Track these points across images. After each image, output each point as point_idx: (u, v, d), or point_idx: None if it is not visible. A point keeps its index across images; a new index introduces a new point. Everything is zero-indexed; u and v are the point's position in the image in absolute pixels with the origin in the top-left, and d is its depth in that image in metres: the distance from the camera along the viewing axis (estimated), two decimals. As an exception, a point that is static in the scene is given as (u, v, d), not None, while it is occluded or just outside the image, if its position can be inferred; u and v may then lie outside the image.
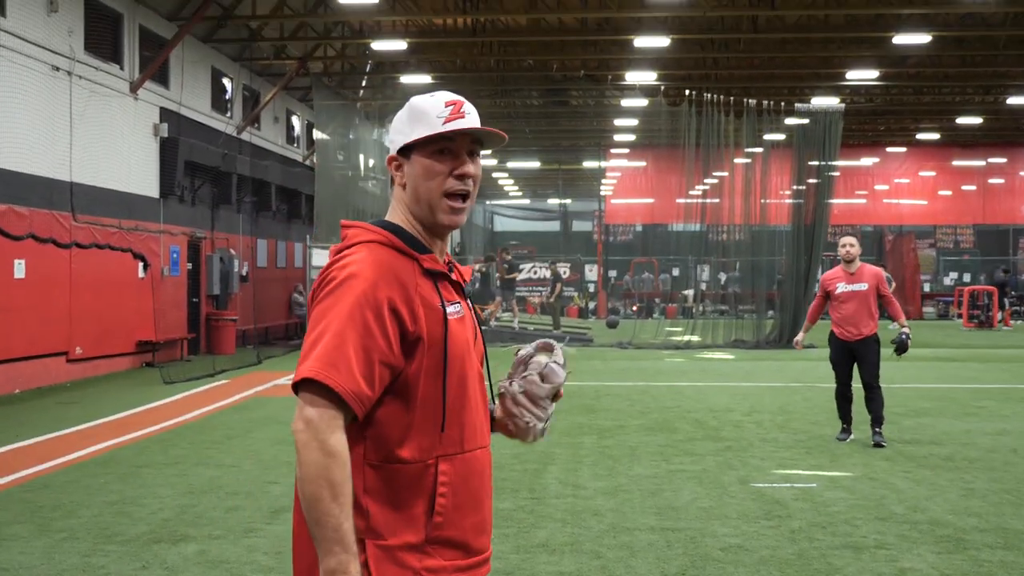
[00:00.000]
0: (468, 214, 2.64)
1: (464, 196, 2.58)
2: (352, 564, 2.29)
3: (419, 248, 2.53)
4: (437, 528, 2.43)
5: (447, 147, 2.55)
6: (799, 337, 11.58)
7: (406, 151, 2.58)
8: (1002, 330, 33.29)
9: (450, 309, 2.51)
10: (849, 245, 10.97)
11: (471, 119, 2.58)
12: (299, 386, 2.34)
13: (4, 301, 15.40)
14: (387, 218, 2.62)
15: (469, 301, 2.72)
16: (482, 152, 2.68)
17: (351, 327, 2.35)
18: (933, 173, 41.31)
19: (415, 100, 2.61)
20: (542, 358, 2.79)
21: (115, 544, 6.96)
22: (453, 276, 2.60)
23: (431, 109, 2.55)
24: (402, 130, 2.59)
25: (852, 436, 11.08)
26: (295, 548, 2.50)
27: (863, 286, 10.77)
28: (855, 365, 10.92)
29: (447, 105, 2.55)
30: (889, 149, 40.98)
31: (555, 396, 2.79)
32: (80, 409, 13.96)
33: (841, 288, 10.84)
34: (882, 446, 10.63)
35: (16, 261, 15.79)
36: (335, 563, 2.28)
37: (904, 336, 10.86)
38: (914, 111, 34.91)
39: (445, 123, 2.53)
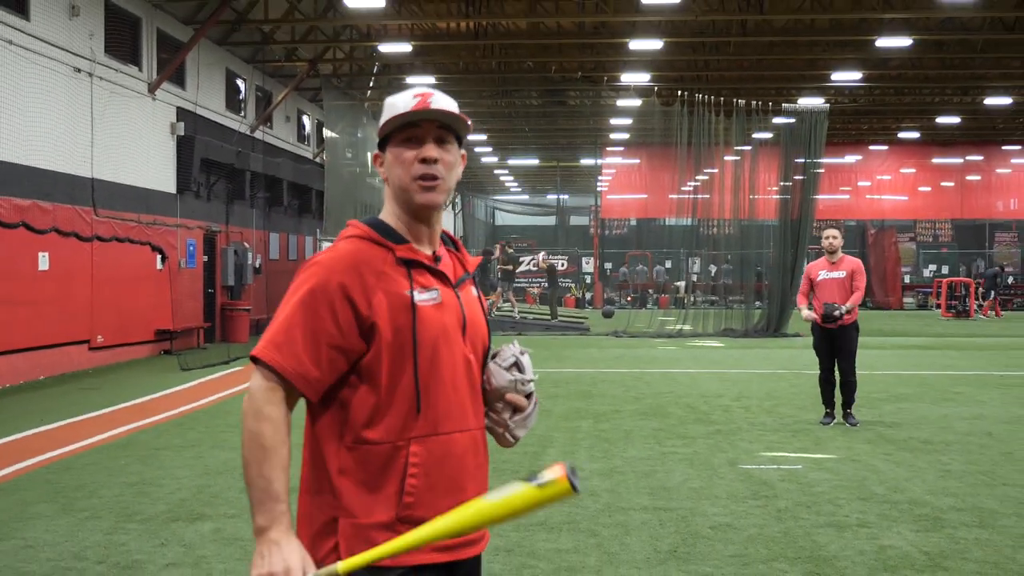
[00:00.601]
0: (447, 195, 2.57)
1: (432, 177, 2.51)
2: (279, 522, 2.30)
3: (395, 239, 2.52)
4: (407, 508, 2.38)
5: (413, 135, 2.52)
6: (807, 313, 11.24)
7: (383, 146, 2.58)
8: (987, 319, 33.40)
9: (422, 296, 2.46)
10: (832, 237, 11.00)
11: (436, 102, 2.52)
12: (251, 361, 2.40)
13: (29, 292, 15.41)
14: (380, 214, 2.61)
15: (475, 289, 2.69)
16: (464, 139, 2.64)
17: (301, 311, 2.39)
18: (913, 170, 41.30)
19: (389, 97, 2.60)
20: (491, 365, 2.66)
21: (135, 523, 6.98)
22: (439, 266, 2.56)
23: (400, 102, 2.53)
24: (379, 126, 2.59)
25: (835, 420, 11.11)
26: (298, 527, 2.46)
27: (842, 274, 10.82)
28: (835, 352, 10.95)
29: (415, 96, 2.53)
30: (872, 147, 40.98)
31: (524, 399, 2.63)
32: (101, 395, 13.97)
33: (823, 276, 10.89)
34: (855, 424, 10.80)
35: (40, 254, 15.79)
36: (264, 519, 2.31)
37: (837, 311, 10.69)
38: (896, 111, 34.90)
39: (410, 111, 2.52)
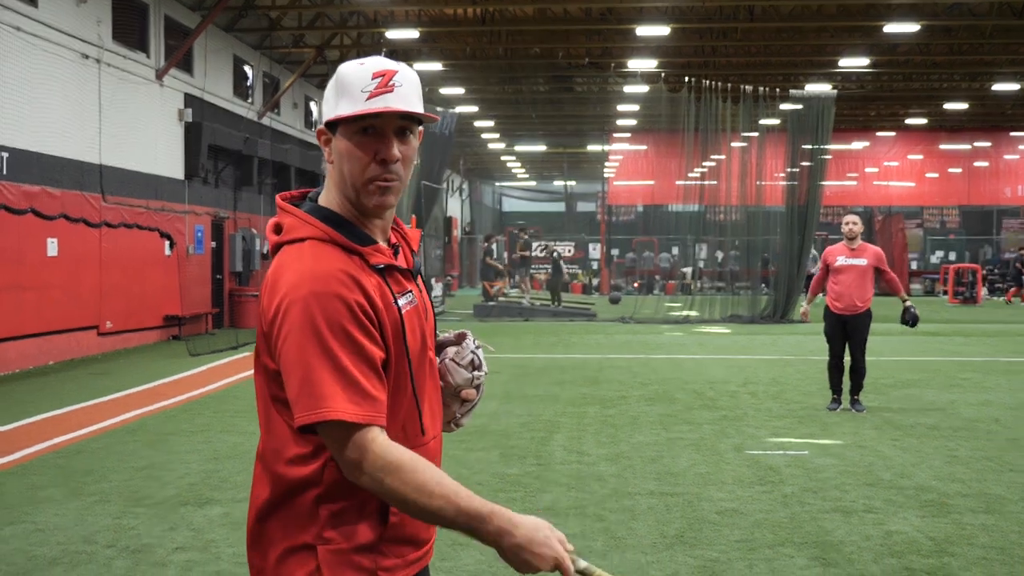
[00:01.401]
0: (401, 195, 2.26)
1: (390, 179, 2.19)
2: (500, 516, 2.08)
3: (361, 239, 2.19)
4: (393, 528, 2.19)
5: (372, 124, 2.16)
6: (805, 308, 11.57)
7: (332, 125, 2.21)
8: (1013, 305, 33.57)
9: (402, 301, 2.20)
10: (852, 223, 10.98)
11: (400, 93, 2.17)
12: (325, 427, 2.04)
13: (38, 278, 15.44)
14: (321, 199, 2.26)
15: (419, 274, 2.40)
16: (421, 127, 2.30)
17: (340, 348, 2.04)
18: (921, 156, 41.18)
19: (343, 68, 2.20)
20: (449, 350, 2.53)
21: (144, 507, 7.00)
22: (399, 260, 2.27)
23: (357, 81, 2.15)
24: (329, 100, 2.21)
25: (842, 405, 11.11)
26: (253, 548, 2.25)
27: (862, 261, 10.76)
28: (846, 338, 10.94)
29: (374, 76, 2.15)
30: (879, 133, 40.84)
31: (474, 391, 2.54)
32: (110, 380, 14.01)
33: (841, 261, 10.84)
34: (861, 411, 10.83)
35: (49, 240, 15.81)
36: (493, 528, 2.07)
37: (911, 309, 10.93)
38: (903, 97, 34.75)
39: (369, 99, 2.14)
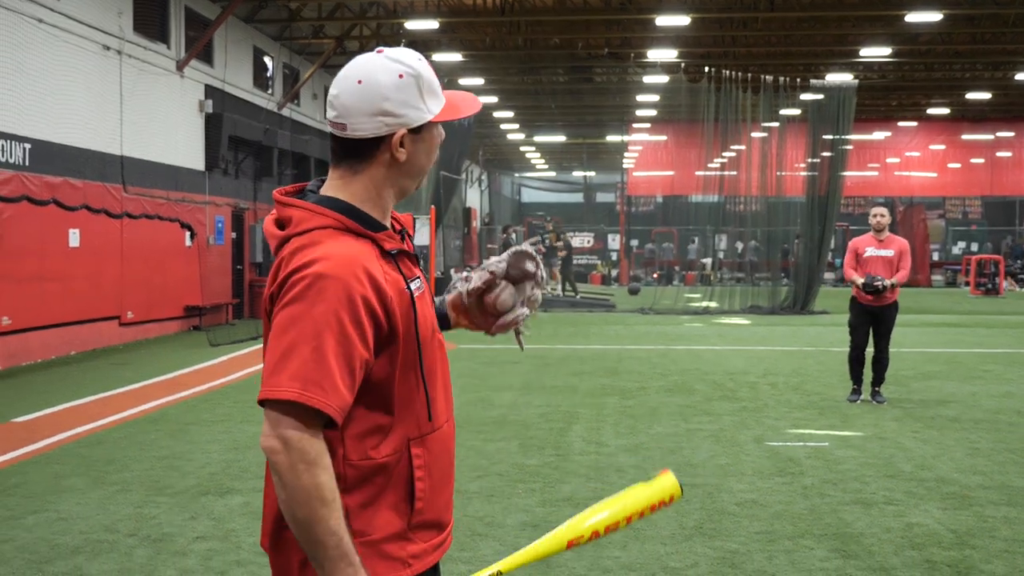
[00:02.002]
0: None
1: None
2: (363, 574, 2.05)
3: (374, 226, 2.19)
4: (419, 515, 2.21)
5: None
6: (862, 282, 10.73)
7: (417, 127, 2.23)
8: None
9: (414, 286, 2.21)
10: (880, 215, 10.93)
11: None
12: (273, 403, 2.02)
13: (60, 269, 15.53)
14: (335, 194, 2.22)
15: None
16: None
17: (329, 334, 2.02)
18: (943, 147, 40.91)
19: (419, 68, 2.20)
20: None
21: (165, 496, 7.04)
22: (406, 246, 2.28)
23: (433, 78, 2.23)
24: (415, 104, 2.19)
25: (862, 397, 11.07)
26: (277, 551, 2.24)
27: (890, 252, 10.71)
28: (871, 330, 10.88)
29: (438, 80, 2.28)
30: (901, 123, 40.59)
31: (525, 288, 2.56)
32: (131, 370, 14.09)
33: (870, 252, 10.77)
34: (882, 403, 10.77)
35: (71, 231, 15.90)
36: (352, 572, 2.03)
37: (879, 282, 10.57)
38: (925, 87, 34.51)
39: (442, 92, 2.28)
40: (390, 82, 2.16)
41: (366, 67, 2.19)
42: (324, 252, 2.09)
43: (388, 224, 2.27)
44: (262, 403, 2.05)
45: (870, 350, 10.88)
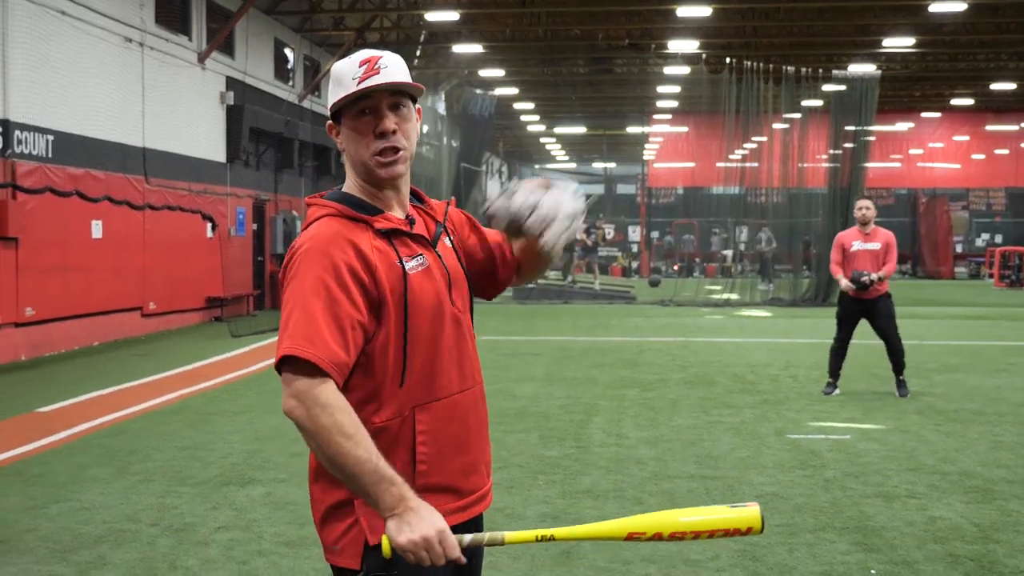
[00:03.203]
0: (410, 161, 2.49)
1: (393, 150, 2.43)
2: (407, 490, 2.23)
3: (369, 210, 2.43)
4: (422, 476, 2.37)
5: (367, 106, 2.41)
6: (845, 283, 10.72)
7: (337, 117, 2.47)
8: None
9: (411, 264, 2.40)
10: (865, 208, 10.88)
11: (387, 73, 2.40)
12: (281, 366, 2.26)
13: (82, 260, 15.62)
14: (344, 188, 2.52)
15: (449, 239, 2.60)
16: (415, 101, 2.49)
17: (316, 298, 2.26)
18: (967, 138, 40.62)
19: (335, 65, 2.47)
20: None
21: (187, 486, 7.08)
22: (414, 229, 2.49)
23: (347, 71, 2.41)
24: (332, 96, 2.45)
25: (838, 391, 11.01)
26: (312, 512, 2.48)
27: (876, 245, 10.66)
28: (857, 325, 10.83)
29: (361, 64, 2.40)
30: (924, 114, 40.30)
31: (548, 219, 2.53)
32: (153, 361, 14.16)
33: (856, 246, 10.72)
34: (906, 395, 10.66)
35: (94, 222, 15.99)
36: (392, 499, 2.21)
37: (866, 277, 10.46)
38: (949, 77, 34.27)
39: (359, 83, 2.38)
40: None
41: None
42: (312, 233, 2.37)
43: (394, 209, 2.49)
44: (278, 370, 2.29)
45: (873, 343, 10.80)
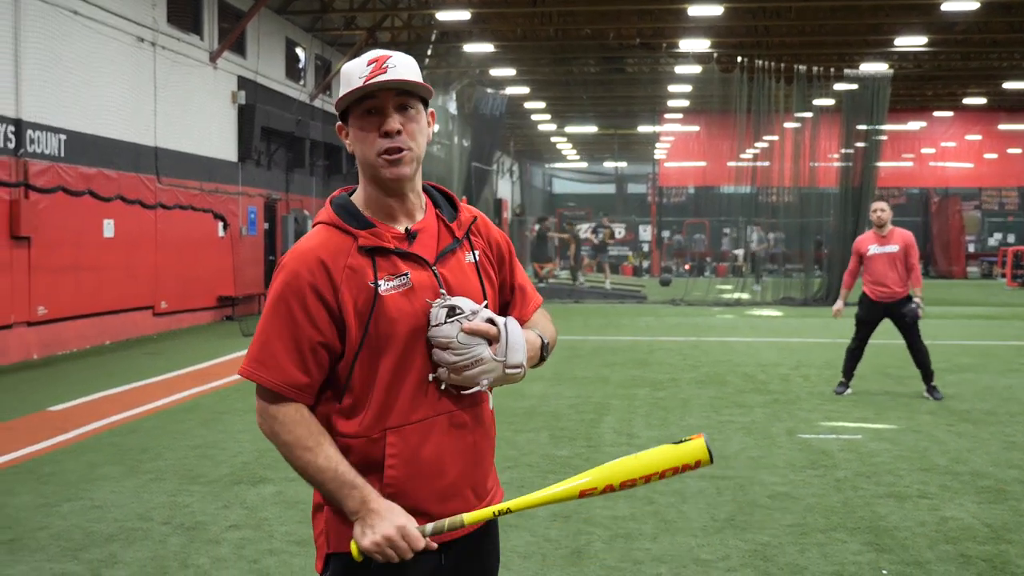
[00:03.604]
0: (417, 164, 2.43)
1: (397, 150, 2.37)
2: (368, 492, 2.28)
3: (361, 223, 2.39)
4: (391, 498, 2.33)
5: (373, 106, 2.37)
6: (838, 306, 11.04)
7: (345, 117, 2.44)
8: None
9: (388, 284, 2.34)
10: (880, 210, 10.77)
11: (394, 72, 2.36)
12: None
13: (94, 259, 15.66)
14: (356, 189, 2.51)
15: (473, 255, 2.51)
16: (416, 103, 2.42)
17: (277, 319, 2.32)
18: (979, 137, 40.44)
19: (344, 65, 2.45)
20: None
21: (199, 485, 7.09)
22: (414, 244, 2.41)
23: (354, 70, 2.38)
24: (339, 96, 2.43)
25: (850, 391, 10.96)
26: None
27: (894, 248, 10.55)
28: (877, 327, 10.76)
29: (369, 63, 2.37)
30: (936, 113, 40.15)
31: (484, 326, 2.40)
32: (165, 360, 14.20)
33: (873, 250, 10.62)
34: (940, 398, 10.54)
35: (105, 221, 16.03)
36: (354, 503, 2.28)
37: (915, 306, 10.45)
38: (961, 76, 34.13)
39: (365, 81, 2.35)
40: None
41: None
42: (296, 244, 2.40)
43: (397, 222, 2.44)
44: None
45: (898, 343, 10.76)
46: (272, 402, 2.34)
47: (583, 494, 2.41)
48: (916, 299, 10.47)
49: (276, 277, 2.37)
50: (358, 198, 2.47)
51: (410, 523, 2.28)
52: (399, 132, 2.38)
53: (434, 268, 2.42)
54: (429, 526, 2.31)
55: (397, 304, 2.34)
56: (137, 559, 5.52)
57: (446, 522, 2.32)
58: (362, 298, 2.33)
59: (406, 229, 2.43)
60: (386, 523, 2.25)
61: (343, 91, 2.40)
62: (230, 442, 8.54)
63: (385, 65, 2.36)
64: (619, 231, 40.93)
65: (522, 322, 2.61)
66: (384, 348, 2.34)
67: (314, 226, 2.46)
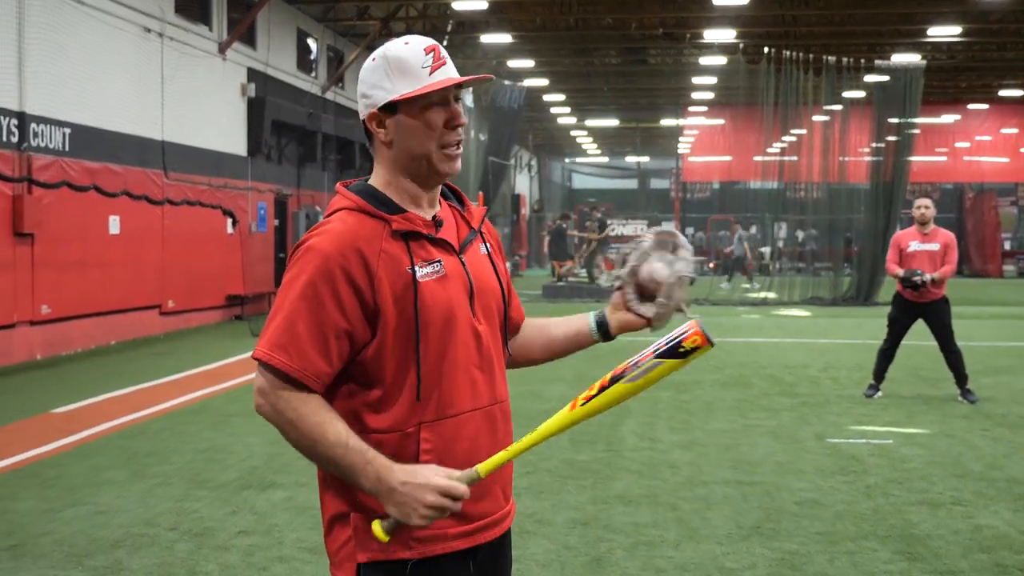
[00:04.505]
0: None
1: (458, 143, 2.41)
2: (380, 461, 2.21)
3: (391, 208, 2.36)
4: None
5: (438, 97, 2.36)
6: (902, 274, 10.51)
7: (390, 107, 2.38)
8: None
9: (424, 270, 2.33)
10: (924, 207, 10.74)
11: (451, 66, 2.40)
12: (261, 366, 2.28)
13: (100, 256, 15.73)
14: (371, 179, 2.46)
15: (485, 246, 2.54)
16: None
17: (303, 303, 2.24)
18: (1016, 130, 40.18)
19: (391, 50, 2.39)
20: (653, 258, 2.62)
21: (207, 489, 7.11)
22: (439, 233, 2.41)
23: (413, 59, 2.35)
24: (381, 84, 2.38)
25: (880, 393, 10.91)
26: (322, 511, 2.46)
27: (935, 246, 10.52)
28: (909, 329, 10.72)
29: (427, 52, 2.36)
30: (971, 106, 39.91)
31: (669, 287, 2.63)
32: (172, 360, 14.25)
33: (914, 246, 10.59)
34: (975, 402, 10.48)
35: (111, 217, 16.10)
36: (371, 475, 2.21)
37: (918, 277, 10.29)
38: (997, 67, 33.94)
39: (431, 73, 2.35)
40: (366, 67, 2.43)
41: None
42: (324, 228, 2.32)
43: (423, 210, 2.43)
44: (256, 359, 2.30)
45: (930, 344, 10.69)
46: (284, 388, 2.25)
47: (589, 401, 2.56)
48: (929, 275, 10.28)
49: (302, 258, 2.28)
50: (377, 182, 2.44)
51: (444, 478, 2.22)
52: (464, 124, 2.42)
53: (461, 257, 2.44)
54: (456, 473, 2.25)
55: (432, 291, 2.33)
56: (143, 566, 5.54)
57: (464, 476, 2.27)
58: (400, 284, 2.29)
59: (433, 217, 2.43)
60: (422, 490, 2.19)
61: (401, 81, 2.35)
62: (239, 445, 8.56)
63: (442, 55, 2.39)
64: (617, 226, 40.57)
65: (519, 321, 2.74)
66: (420, 336, 2.31)
67: (331, 214, 2.39)
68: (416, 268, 2.32)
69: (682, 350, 2.41)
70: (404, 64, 2.35)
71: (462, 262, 2.43)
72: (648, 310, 2.64)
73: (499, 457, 2.31)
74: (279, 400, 2.26)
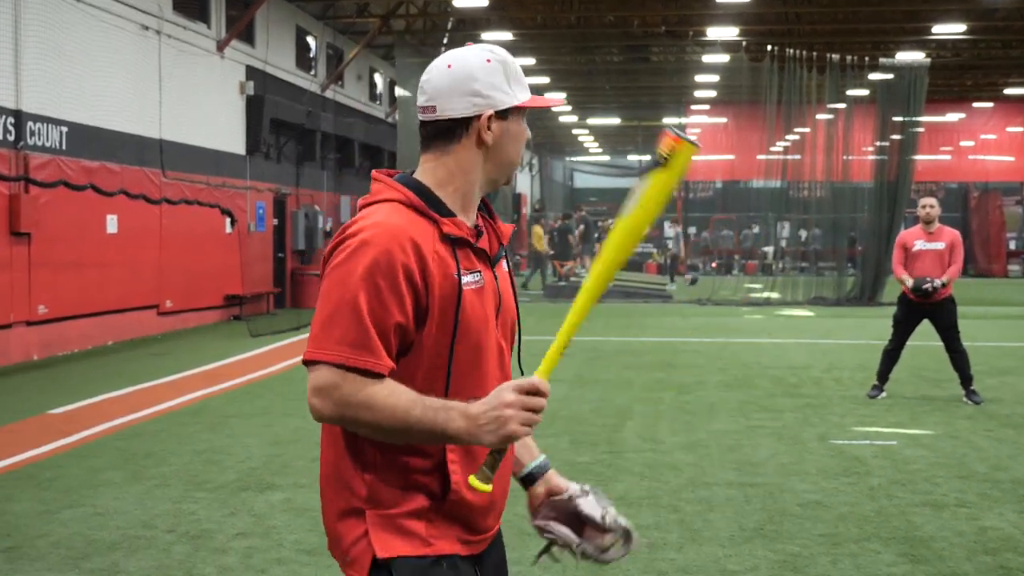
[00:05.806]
0: None
1: None
2: (456, 403, 2.19)
3: (441, 210, 2.33)
4: (450, 504, 2.31)
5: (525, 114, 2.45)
6: (911, 284, 10.52)
7: (503, 111, 2.37)
8: None
9: (467, 279, 2.30)
10: (930, 206, 10.74)
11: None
12: (321, 363, 2.20)
13: (97, 256, 15.73)
14: (420, 177, 2.39)
15: (506, 263, 2.53)
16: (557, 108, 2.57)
17: (365, 297, 2.18)
18: (1021, 129, 40.17)
19: (499, 54, 2.40)
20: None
21: (204, 491, 7.12)
22: (479, 243, 2.39)
23: (520, 71, 2.42)
24: (502, 88, 2.36)
25: (884, 394, 10.92)
26: (322, 509, 2.42)
27: (940, 245, 10.53)
28: (915, 329, 10.73)
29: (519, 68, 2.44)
30: (976, 104, 39.89)
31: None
32: (170, 361, 14.25)
33: (919, 245, 10.60)
34: (980, 402, 10.47)
35: (108, 216, 16.10)
36: (456, 417, 2.17)
37: (928, 284, 10.29)
38: (1002, 65, 33.91)
39: (527, 88, 2.45)
40: (479, 64, 2.36)
41: (456, 54, 2.39)
42: (376, 220, 2.26)
43: (467, 216, 2.40)
44: (309, 362, 2.21)
45: (935, 344, 10.70)
46: (353, 382, 2.17)
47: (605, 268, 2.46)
48: (938, 280, 10.29)
49: (358, 251, 2.21)
50: (434, 181, 2.38)
51: (510, 390, 2.21)
52: None
53: (494, 271, 2.44)
54: (518, 381, 2.25)
55: (471, 301, 2.32)
56: (141, 568, 5.54)
57: (534, 379, 2.28)
58: (447, 288, 2.27)
59: (475, 225, 2.43)
60: (498, 397, 2.19)
61: (516, 86, 2.40)
62: (237, 447, 8.56)
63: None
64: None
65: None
66: (455, 344, 2.30)
67: (373, 204, 2.35)
68: (462, 275, 2.30)
69: (661, 158, 2.30)
70: (518, 72, 2.41)
71: (495, 276, 2.43)
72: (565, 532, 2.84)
73: (550, 356, 2.37)
74: (345, 391, 2.17)
